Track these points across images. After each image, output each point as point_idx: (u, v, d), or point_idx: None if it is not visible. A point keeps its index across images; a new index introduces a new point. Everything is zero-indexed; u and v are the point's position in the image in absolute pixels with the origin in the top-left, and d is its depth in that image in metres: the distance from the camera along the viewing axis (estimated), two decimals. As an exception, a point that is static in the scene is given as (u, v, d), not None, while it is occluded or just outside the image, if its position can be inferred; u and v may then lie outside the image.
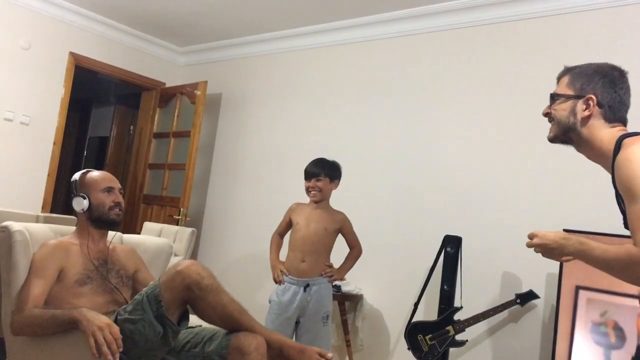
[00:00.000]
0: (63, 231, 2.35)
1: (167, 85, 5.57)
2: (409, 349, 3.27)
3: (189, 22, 4.86)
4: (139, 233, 4.61)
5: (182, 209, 4.90)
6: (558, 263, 2.84)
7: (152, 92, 5.60)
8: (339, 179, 3.24)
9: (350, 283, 3.76)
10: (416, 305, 3.43)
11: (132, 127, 6.73)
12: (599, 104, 1.52)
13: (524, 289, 3.16)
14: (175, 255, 4.05)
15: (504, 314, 3.25)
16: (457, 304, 3.29)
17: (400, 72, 4.04)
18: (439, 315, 3.27)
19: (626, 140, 1.43)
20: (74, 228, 2.32)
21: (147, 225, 4.60)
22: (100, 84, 6.83)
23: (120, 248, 2.39)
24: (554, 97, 1.61)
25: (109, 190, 2.27)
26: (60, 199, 6.60)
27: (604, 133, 1.51)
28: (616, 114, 1.52)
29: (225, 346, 1.98)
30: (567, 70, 1.61)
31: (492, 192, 3.46)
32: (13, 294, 2.06)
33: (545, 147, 3.17)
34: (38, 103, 4.72)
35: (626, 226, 1.41)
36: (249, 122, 4.99)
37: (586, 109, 1.53)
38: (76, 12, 4.86)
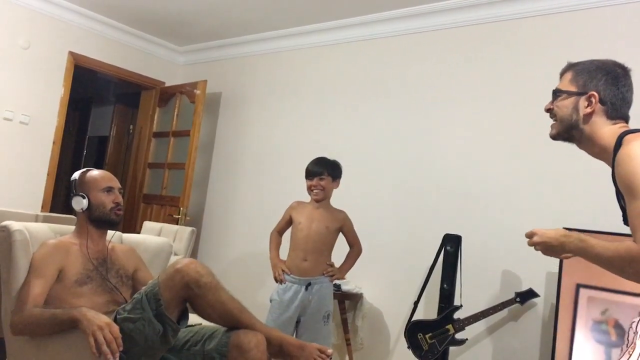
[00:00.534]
0: (63, 231, 2.35)
1: (166, 85, 5.57)
2: (408, 347, 3.27)
3: (188, 21, 4.86)
4: (138, 232, 4.61)
5: (181, 208, 4.90)
6: (558, 261, 2.84)
7: (152, 91, 5.60)
8: (340, 178, 3.25)
9: (350, 282, 3.76)
10: (416, 304, 3.43)
11: (131, 127, 6.72)
12: (602, 101, 1.51)
13: (524, 288, 3.16)
14: (175, 254, 4.05)
15: (504, 312, 3.25)
16: (456, 302, 3.29)
17: (400, 71, 4.04)
18: (438, 314, 3.27)
19: (627, 137, 1.43)
20: (73, 227, 2.31)
21: (147, 224, 4.60)
22: (100, 83, 6.83)
23: (120, 247, 2.39)
24: (556, 93, 1.60)
25: (109, 189, 2.27)
26: (59, 198, 6.60)
27: (606, 130, 1.51)
28: (618, 111, 1.52)
29: (225, 344, 1.98)
30: (570, 67, 1.61)
31: (492, 190, 3.46)
32: (13, 293, 2.06)
33: (545, 146, 3.19)
34: (37, 102, 4.72)
35: (626, 223, 1.41)
36: (249, 121, 4.98)
37: (588, 105, 1.52)
38: (75, 12, 4.86)
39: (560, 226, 2.92)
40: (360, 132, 4.17)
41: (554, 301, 2.94)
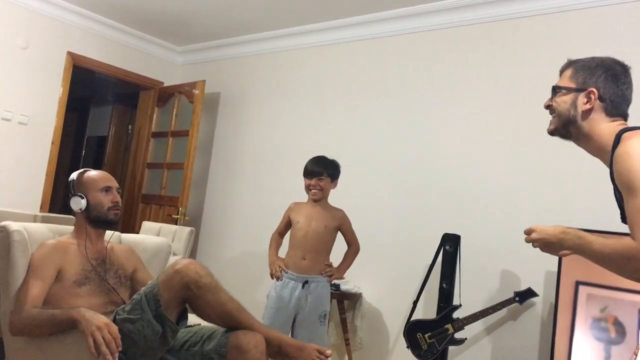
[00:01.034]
0: (61, 231, 2.35)
1: (165, 85, 5.57)
2: (408, 347, 3.27)
3: (187, 21, 4.86)
4: (137, 232, 4.61)
5: (180, 208, 4.90)
6: (557, 260, 2.84)
7: (151, 91, 5.60)
8: (338, 178, 3.25)
9: (349, 282, 3.76)
10: (415, 303, 3.43)
11: (130, 127, 6.72)
12: (601, 98, 1.51)
13: (523, 287, 3.16)
14: (174, 254, 4.05)
15: (503, 312, 3.25)
16: (456, 302, 3.29)
17: (400, 70, 4.04)
18: (438, 314, 3.27)
19: (625, 134, 1.42)
20: (72, 228, 2.31)
21: (146, 224, 4.60)
22: (98, 84, 6.82)
23: (119, 248, 2.38)
24: (555, 90, 1.60)
25: (107, 189, 2.26)
26: (58, 198, 6.59)
27: (604, 127, 1.50)
28: (617, 108, 1.52)
29: (224, 344, 1.98)
30: (570, 63, 1.61)
31: (491, 190, 3.46)
32: (11, 294, 2.06)
33: (544, 146, 3.19)
34: (36, 103, 4.71)
35: (624, 221, 1.41)
36: (248, 121, 4.98)
37: (587, 102, 1.52)
38: (74, 12, 4.86)
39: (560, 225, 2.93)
40: (360, 132, 4.17)
41: (553, 300, 2.94)
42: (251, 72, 5.05)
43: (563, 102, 1.57)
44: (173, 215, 4.93)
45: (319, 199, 3.17)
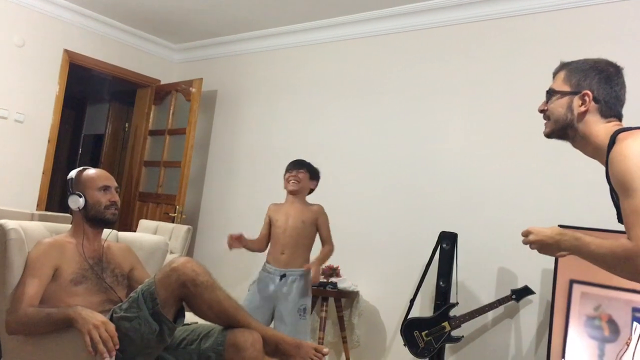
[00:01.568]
0: (58, 229, 2.34)
1: (162, 83, 5.56)
2: (405, 345, 3.28)
3: (183, 19, 4.85)
4: (134, 231, 4.60)
5: (177, 207, 4.89)
6: (553, 258, 2.85)
7: (147, 89, 5.59)
8: (318, 181, 3.31)
9: (347, 280, 3.77)
10: (412, 301, 3.44)
11: (127, 125, 6.71)
12: (595, 100, 1.52)
13: (520, 285, 3.17)
14: (171, 252, 4.05)
15: (500, 309, 3.26)
16: (452, 300, 3.30)
17: (397, 68, 4.04)
18: (434, 312, 3.28)
19: (620, 135, 1.43)
20: (69, 226, 2.31)
21: (143, 222, 4.60)
22: (95, 81, 6.81)
23: (116, 246, 2.38)
24: (550, 94, 1.61)
25: (105, 189, 2.26)
26: (55, 197, 6.58)
27: (600, 128, 1.51)
28: (612, 109, 1.53)
29: (221, 342, 1.98)
30: (563, 66, 1.61)
31: (488, 188, 3.46)
32: (8, 293, 2.06)
33: (540, 144, 3.18)
34: (32, 101, 4.70)
35: (620, 220, 1.42)
36: (245, 119, 4.98)
37: (582, 104, 1.53)
38: (70, 9, 4.85)
39: (557, 223, 2.93)
40: (357, 130, 4.17)
41: (550, 298, 2.95)
42: (248, 70, 5.05)
43: (559, 106, 1.57)
44: (170, 214, 4.93)
45: (297, 190, 3.21)
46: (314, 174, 3.29)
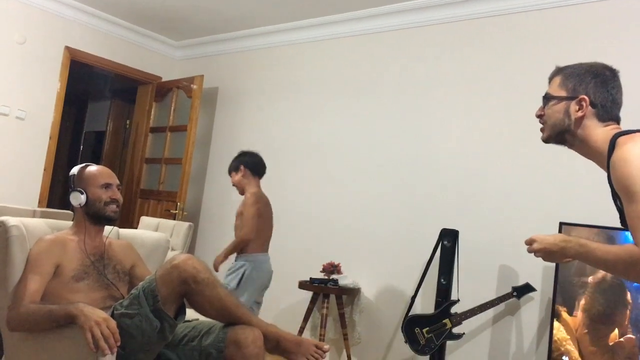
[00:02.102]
0: (59, 226, 2.34)
1: (163, 80, 5.56)
2: (406, 342, 3.28)
3: (185, 15, 4.84)
4: (136, 227, 4.61)
5: (179, 204, 4.90)
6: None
7: (148, 86, 5.58)
8: (238, 169, 3.52)
9: (348, 277, 3.77)
10: (413, 298, 3.44)
11: (128, 122, 6.71)
12: (592, 104, 1.51)
13: (521, 282, 3.17)
14: (172, 249, 4.05)
15: (501, 306, 3.26)
16: (454, 297, 3.30)
17: (398, 65, 4.03)
18: (436, 309, 3.28)
19: (620, 139, 1.43)
20: (70, 223, 2.31)
21: (144, 219, 4.60)
22: (96, 79, 6.81)
23: (117, 243, 2.38)
24: (547, 99, 1.60)
25: (107, 186, 2.25)
26: (56, 193, 6.59)
27: (598, 132, 1.51)
28: (609, 113, 1.52)
29: (222, 339, 1.98)
30: (559, 71, 1.60)
31: (489, 185, 3.46)
32: (9, 289, 2.06)
33: (541, 141, 3.18)
34: (34, 98, 4.70)
35: (623, 224, 1.42)
36: (246, 116, 4.98)
37: (579, 109, 1.52)
38: (71, 6, 4.84)
39: (557, 220, 2.94)
40: (358, 128, 4.17)
41: (551, 295, 2.95)
42: (249, 67, 5.04)
43: (556, 111, 1.56)
44: (171, 211, 4.93)
45: (240, 193, 3.51)
46: (232, 167, 3.56)
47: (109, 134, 6.92)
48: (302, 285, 3.77)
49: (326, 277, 3.74)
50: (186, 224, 4.32)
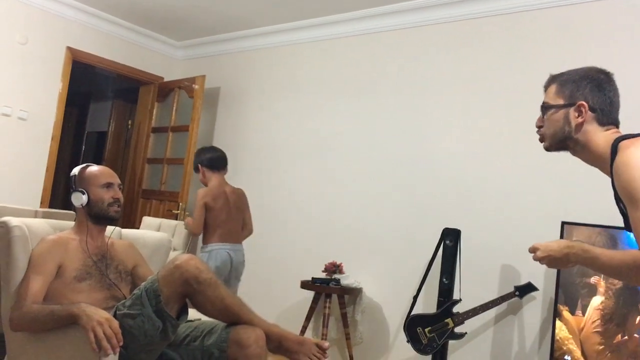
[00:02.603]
0: (62, 226, 2.35)
1: (165, 80, 5.56)
2: (408, 341, 3.28)
3: (186, 16, 4.85)
4: (137, 228, 4.61)
5: (180, 204, 4.90)
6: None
7: (150, 86, 5.59)
8: (198, 166, 3.68)
9: (350, 276, 3.77)
10: (415, 298, 3.43)
11: (130, 122, 6.71)
12: (592, 109, 1.51)
13: (523, 281, 3.17)
14: (174, 249, 4.05)
15: (503, 306, 3.25)
16: (456, 296, 3.30)
17: (398, 65, 4.03)
18: (438, 308, 3.28)
19: (622, 144, 1.42)
20: (72, 223, 2.31)
21: (146, 219, 4.60)
22: (98, 79, 6.81)
23: (119, 243, 2.38)
24: (545, 108, 1.59)
25: (108, 185, 2.26)
26: (58, 194, 6.60)
27: (599, 137, 1.50)
28: (608, 116, 1.52)
29: (224, 339, 1.98)
30: (554, 79, 1.59)
31: (491, 185, 3.46)
32: (12, 289, 2.06)
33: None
34: (36, 98, 4.71)
35: (627, 228, 1.42)
36: (248, 116, 4.98)
37: (579, 116, 1.51)
38: (73, 7, 4.85)
39: (559, 219, 2.93)
40: (360, 127, 4.16)
41: (553, 295, 2.94)
42: (251, 67, 5.04)
43: (556, 120, 1.56)
44: (173, 211, 4.94)
45: None
46: (195, 167, 3.72)
47: (110, 134, 6.93)
48: (304, 285, 3.77)
49: (328, 277, 3.74)
50: (188, 224, 4.32)
